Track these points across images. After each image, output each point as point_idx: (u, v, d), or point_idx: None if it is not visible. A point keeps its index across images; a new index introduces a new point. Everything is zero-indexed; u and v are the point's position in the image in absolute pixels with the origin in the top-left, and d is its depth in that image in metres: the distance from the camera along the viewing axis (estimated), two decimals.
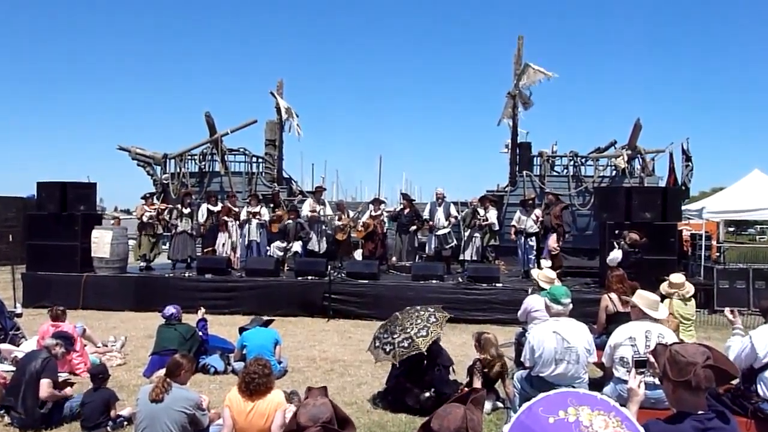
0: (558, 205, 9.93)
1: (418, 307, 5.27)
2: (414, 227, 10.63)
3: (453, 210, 10.80)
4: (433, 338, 4.82)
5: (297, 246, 10.64)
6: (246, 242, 10.79)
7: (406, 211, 10.73)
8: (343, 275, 9.46)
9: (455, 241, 10.34)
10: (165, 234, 11.21)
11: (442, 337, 5.21)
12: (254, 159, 13.43)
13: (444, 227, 10.35)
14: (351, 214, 11.46)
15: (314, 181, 17.89)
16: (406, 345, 4.73)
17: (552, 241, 9.82)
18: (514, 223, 10.32)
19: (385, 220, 11.23)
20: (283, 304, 9.04)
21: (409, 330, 4.83)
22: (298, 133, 13.02)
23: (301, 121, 13.30)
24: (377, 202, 11.53)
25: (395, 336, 4.82)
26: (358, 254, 12.16)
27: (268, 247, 10.94)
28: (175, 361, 3.95)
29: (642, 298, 4.18)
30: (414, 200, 11.44)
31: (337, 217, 11.01)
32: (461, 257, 10.58)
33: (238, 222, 10.94)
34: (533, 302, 5.56)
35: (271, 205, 11.60)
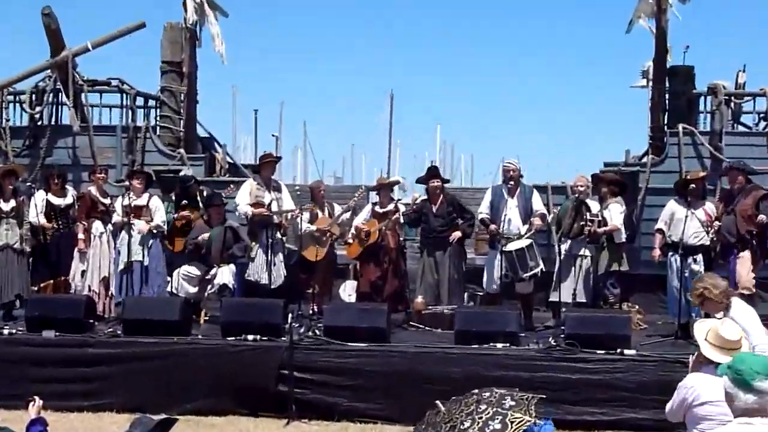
0: (752, 192, 10.09)
1: (475, 391, 5.54)
2: (457, 234, 10.92)
3: (537, 202, 10.97)
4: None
5: (225, 274, 10.86)
6: (125, 266, 10.97)
7: (438, 203, 11.10)
8: (317, 332, 9.70)
9: (542, 264, 10.59)
10: None
11: None
12: (141, 102, 13.70)
13: (520, 235, 10.60)
14: (336, 209, 11.64)
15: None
16: None
17: (743, 266, 9.94)
18: (659, 226, 10.52)
19: (402, 220, 11.41)
20: (198, 392, 9.31)
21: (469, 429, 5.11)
22: (221, 53, 13.36)
23: (241, 34, 13.62)
24: (385, 186, 11.73)
25: None
26: (347, 289, 12.28)
27: (168, 277, 11.08)
28: None
29: None
30: (449, 181, 11.82)
31: (306, 217, 11.31)
32: (553, 296, 10.72)
33: (108, 227, 11.11)
34: (698, 387, 5.45)
35: (174, 196, 11.73)
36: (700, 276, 7.45)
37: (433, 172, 11.56)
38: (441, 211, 11.05)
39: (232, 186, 11.87)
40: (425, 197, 11.36)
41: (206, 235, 10.77)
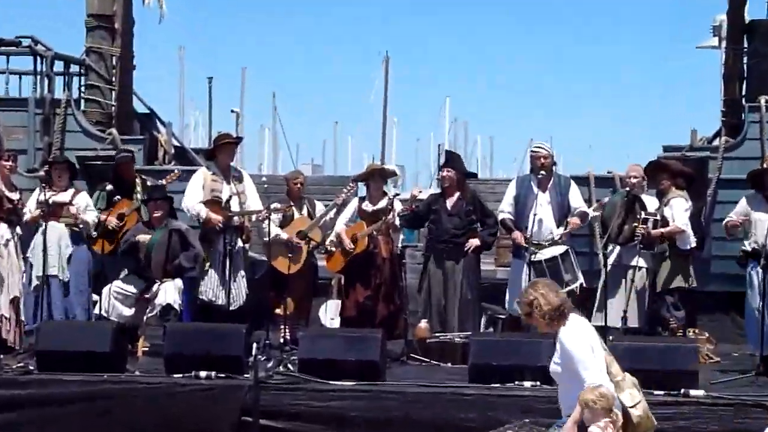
0: None
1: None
2: (475, 242, 11.06)
3: (576, 198, 11.05)
4: None
5: (170, 292, 10.83)
6: (39, 283, 10.98)
7: (455, 197, 11.18)
8: (290, 367, 9.76)
9: (581, 278, 10.64)
10: None
11: None
12: (60, 68, 13.68)
13: (553, 241, 10.71)
14: (318, 208, 11.71)
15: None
16: None
17: None
18: (731, 220, 10.38)
19: (398, 223, 11.41)
20: None
21: None
22: (160, 4, 13.81)
23: None
24: (376, 176, 11.69)
25: None
26: (329, 311, 12.29)
27: (95, 295, 11.08)
28: None
29: None
30: (474, 175, 12.04)
31: (277, 218, 11.36)
32: (597, 319, 10.58)
33: (16, 232, 11.02)
34: None
35: (108, 187, 11.70)
36: (534, 281, 7.39)
37: (447, 157, 11.65)
38: (458, 209, 11.08)
39: (175, 172, 11.76)
40: (437, 192, 11.44)
41: (146, 237, 10.72)
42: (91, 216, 11.10)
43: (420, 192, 11.64)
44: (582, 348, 6.50)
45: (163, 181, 11.48)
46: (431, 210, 11.18)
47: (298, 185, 11.71)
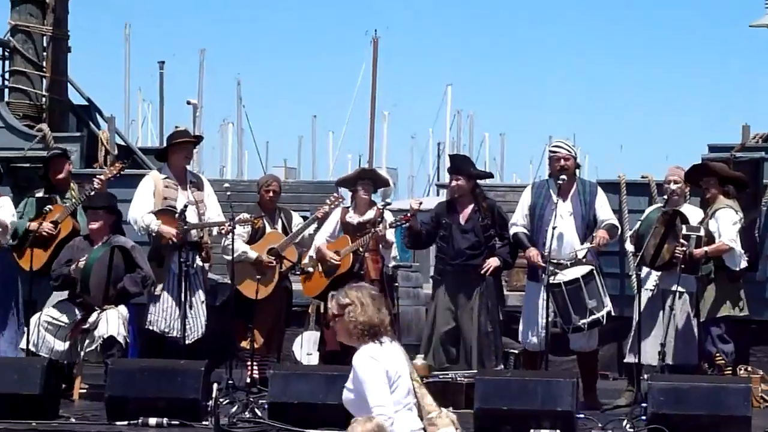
0: None
1: None
2: (494, 263, 11.18)
3: (604, 208, 11.06)
4: None
5: (112, 322, 10.77)
6: None
7: (469, 209, 11.29)
8: (258, 413, 9.80)
9: (609, 305, 10.67)
10: None
11: None
12: None
13: (576, 260, 10.74)
14: (294, 221, 11.77)
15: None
16: None
17: None
18: None
19: (392, 239, 11.50)
20: None
21: None
22: None
23: None
24: (365, 180, 11.70)
25: None
26: (305, 344, 12.28)
27: (24, 326, 11.09)
28: None
29: None
30: (490, 175, 11.93)
31: (243, 232, 11.45)
32: (630, 355, 10.77)
33: None
34: None
35: (38, 194, 11.70)
36: (360, 285, 7.34)
37: (454, 164, 11.63)
38: (473, 224, 11.11)
39: (116, 165, 11.77)
40: (445, 199, 11.53)
41: (82, 262, 10.65)
42: (5, 215, 11.03)
43: (420, 204, 11.57)
44: (374, 374, 6.61)
45: (101, 178, 11.37)
46: (441, 224, 11.20)
47: (271, 193, 11.72)
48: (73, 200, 11.28)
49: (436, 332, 11.11)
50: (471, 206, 11.13)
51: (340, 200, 11.90)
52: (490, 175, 12.18)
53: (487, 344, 10.99)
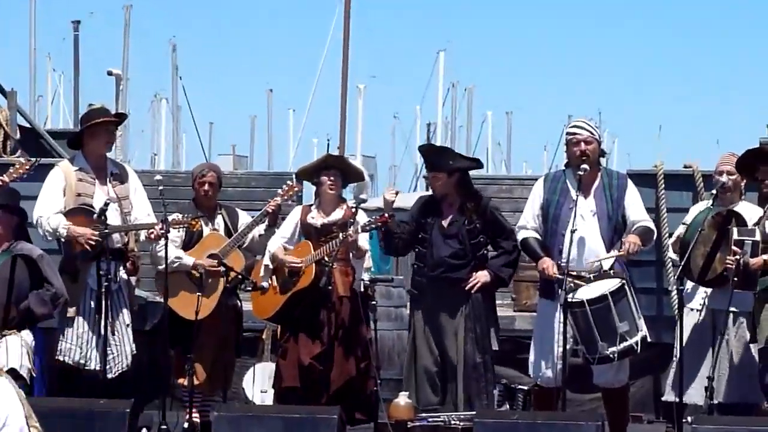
0: None
1: None
2: (482, 279, 11.30)
3: (635, 206, 11.10)
4: None
5: (14, 352, 10.78)
6: None
7: (454, 209, 11.43)
8: None
9: (644, 329, 10.72)
10: None
11: None
12: None
13: (601, 271, 10.82)
14: (241, 219, 11.85)
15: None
16: None
17: None
18: None
19: (366, 246, 11.61)
20: None
21: None
22: None
23: None
24: (332, 170, 11.72)
25: None
26: (258, 379, 12.53)
27: None
28: None
29: None
30: (478, 163, 11.91)
31: (177, 236, 11.60)
32: (670, 393, 10.84)
33: None
34: None
35: None
36: None
37: (427, 158, 11.70)
38: (457, 228, 11.17)
39: (22, 162, 11.68)
40: (425, 195, 11.63)
41: None
42: None
43: (395, 194, 11.54)
44: None
45: (4, 179, 11.31)
46: (421, 225, 11.26)
47: (206, 186, 11.76)
48: None
49: (419, 364, 11.17)
50: (457, 204, 11.24)
51: (296, 189, 11.99)
52: (478, 164, 11.99)
53: (475, 378, 11.04)
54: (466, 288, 11.03)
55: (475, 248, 11.16)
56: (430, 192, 11.52)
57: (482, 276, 11.06)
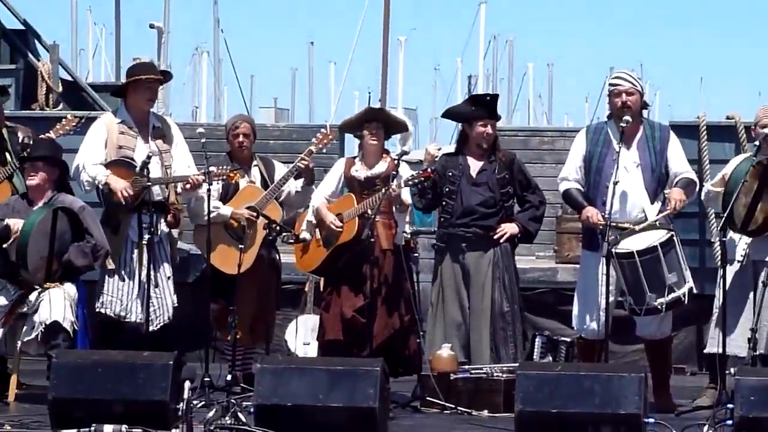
0: None
1: None
2: (510, 229, 11.40)
3: (678, 159, 11.07)
4: None
5: (57, 304, 10.81)
6: None
7: (485, 162, 11.38)
8: (241, 417, 9.84)
9: (691, 281, 10.73)
10: None
11: None
12: None
13: (646, 223, 10.72)
14: (278, 171, 11.82)
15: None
16: None
17: None
18: None
19: (409, 199, 11.53)
20: None
21: None
22: None
23: None
24: (375, 123, 11.65)
25: None
26: (301, 331, 12.65)
27: None
28: None
29: None
30: (498, 117, 11.76)
31: (216, 188, 11.49)
32: (712, 344, 10.82)
33: None
34: None
35: None
36: None
37: (492, 105, 11.56)
38: (487, 176, 11.18)
39: (68, 118, 11.76)
40: (452, 152, 11.51)
41: (17, 222, 10.67)
42: None
43: (438, 149, 11.55)
44: None
45: (50, 136, 11.44)
46: (446, 178, 11.25)
47: (241, 137, 11.77)
48: (9, 157, 11.25)
49: (446, 315, 11.22)
50: (486, 158, 11.23)
51: (330, 137, 11.93)
52: (498, 117, 11.92)
53: (502, 327, 11.08)
54: (495, 237, 11.07)
55: (504, 198, 11.21)
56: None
57: (510, 227, 11.13)
